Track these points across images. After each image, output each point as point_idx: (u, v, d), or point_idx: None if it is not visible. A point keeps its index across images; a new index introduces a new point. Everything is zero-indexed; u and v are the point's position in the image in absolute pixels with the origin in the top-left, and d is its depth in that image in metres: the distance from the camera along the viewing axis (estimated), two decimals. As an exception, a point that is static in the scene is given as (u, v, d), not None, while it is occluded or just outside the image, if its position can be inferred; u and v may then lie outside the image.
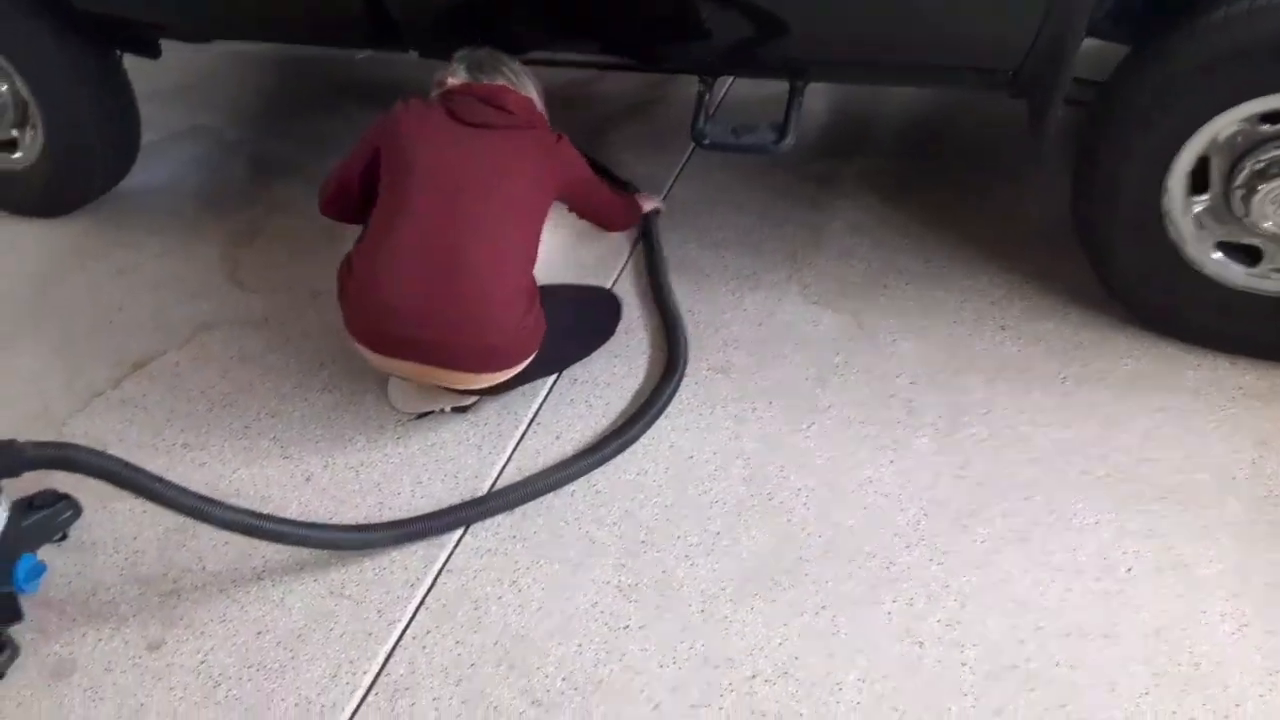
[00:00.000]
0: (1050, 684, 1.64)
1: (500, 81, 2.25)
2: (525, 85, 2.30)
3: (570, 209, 2.44)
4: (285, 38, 2.97)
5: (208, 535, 1.97)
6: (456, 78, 2.26)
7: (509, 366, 2.11)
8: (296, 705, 1.65)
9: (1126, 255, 2.24)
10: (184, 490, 1.72)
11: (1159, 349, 2.28)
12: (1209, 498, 1.93)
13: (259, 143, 3.51)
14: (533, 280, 2.16)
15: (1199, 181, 2.12)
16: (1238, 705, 1.59)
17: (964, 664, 1.67)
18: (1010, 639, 1.71)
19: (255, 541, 1.94)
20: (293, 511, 2.02)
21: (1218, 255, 2.17)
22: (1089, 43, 2.24)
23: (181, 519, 1.98)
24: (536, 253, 2.17)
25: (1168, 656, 1.66)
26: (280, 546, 1.91)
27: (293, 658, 1.73)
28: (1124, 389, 2.19)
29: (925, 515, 1.94)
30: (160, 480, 1.71)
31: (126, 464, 1.70)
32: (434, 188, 2.07)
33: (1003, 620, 1.74)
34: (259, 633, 1.78)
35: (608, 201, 2.53)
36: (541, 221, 2.21)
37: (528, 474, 2.08)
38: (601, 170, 2.97)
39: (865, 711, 1.61)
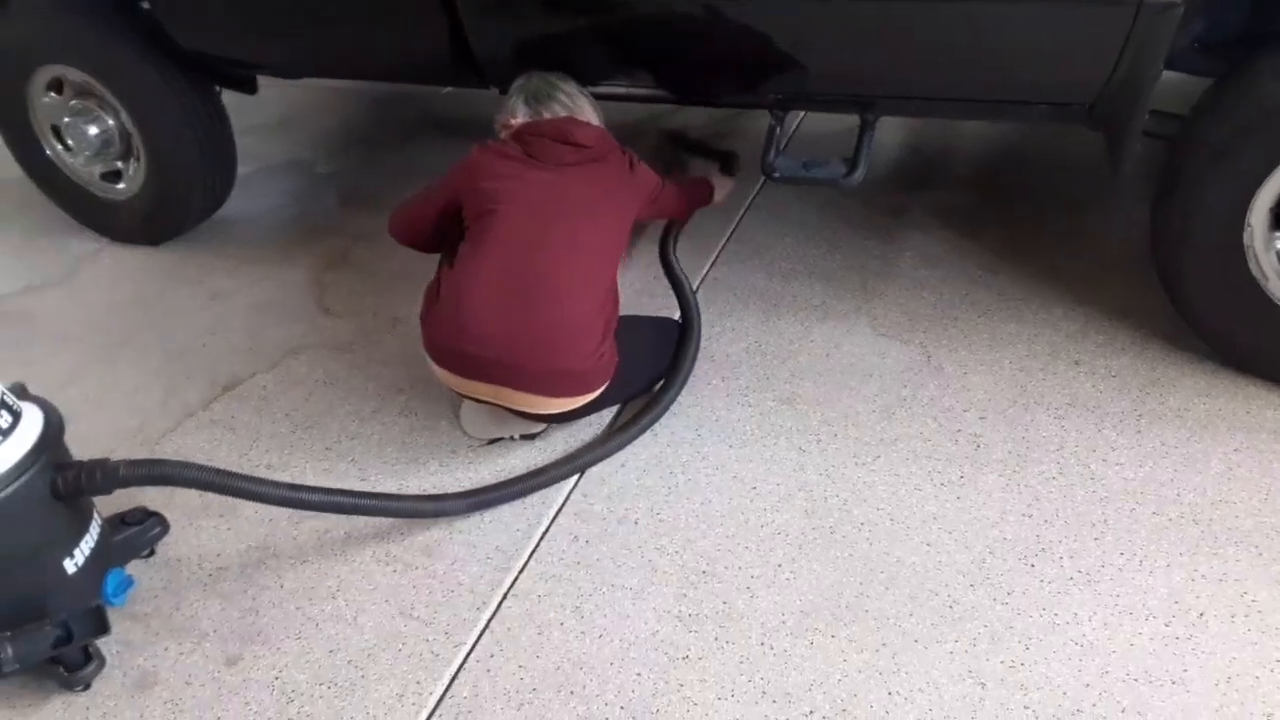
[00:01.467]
0: (1115, 731, 1.60)
1: (561, 112, 2.33)
2: (583, 108, 2.39)
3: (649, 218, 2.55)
4: (375, 76, 3.10)
5: (286, 553, 2.06)
6: (518, 116, 2.35)
7: (583, 393, 2.17)
8: (365, 722, 1.71)
9: (1206, 291, 2.20)
10: (272, 482, 1.89)
11: (1238, 388, 2.22)
12: (1287, 543, 1.87)
13: (348, 175, 3.65)
14: (614, 309, 2.24)
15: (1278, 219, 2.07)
16: (1314, 760, 1.53)
17: (1026, 706, 1.65)
18: (1075, 682, 1.68)
19: (330, 561, 2.03)
20: (368, 530, 2.10)
21: (1300, 292, 2.11)
22: (1170, 75, 2.22)
23: (262, 537, 2.10)
24: (617, 283, 2.24)
25: (1239, 705, 1.61)
26: (355, 566, 2.00)
27: (363, 677, 1.79)
28: (1200, 428, 2.14)
29: (990, 553, 1.92)
30: (248, 478, 1.86)
31: (215, 470, 1.82)
32: (519, 222, 2.15)
33: (1068, 663, 1.71)
34: (331, 651, 1.85)
35: (677, 200, 2.65)
36: (622, 250, 2.30)
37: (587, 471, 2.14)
38: (697, 146, 3.19)
39: (923, 751, 1.60)
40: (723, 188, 2.90)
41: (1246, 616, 1.75)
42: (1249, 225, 2.08)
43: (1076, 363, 2.37)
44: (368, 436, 2.39)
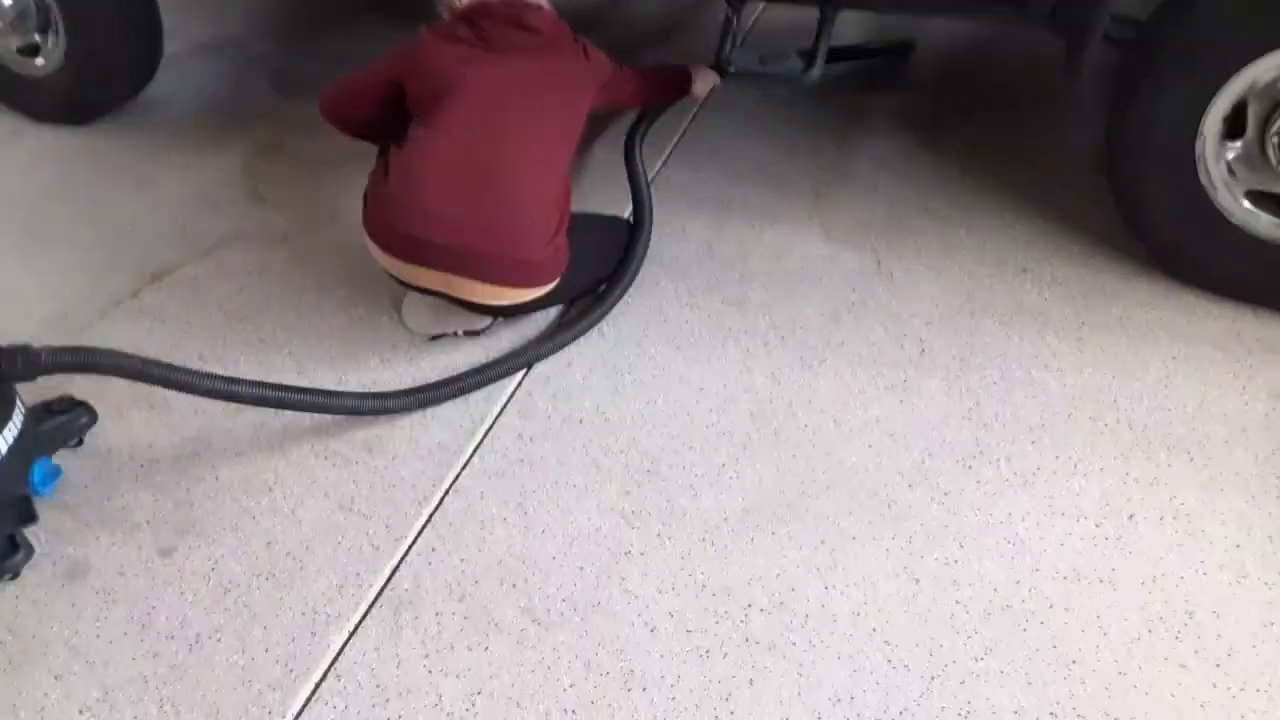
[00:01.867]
0: (1043, 625, 1.65)
1: None
2: None
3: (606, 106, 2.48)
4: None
5: (221, 445, 2.01)
6: None
7: (535, 285, 2.14)
8: (303, 614, 1.69)
9: (1155, 199, 2.20)
10: (205, 374, 1.81)
11: (1181, 297, 2.25)
12: (1217, 449, 1.92)
13: (283, 57, 3.48)
14: (566, 202, 2.21)
15: (1234, 127, 2.07)
16: (1229, 655, 1.59)
17: (959, 602, 1.69)
18: (1006, 580, 1.72)
19: (268, 455, 1.98)
20: (307, 425, 2.06)
21: (1247, 204, 2.12)
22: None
23: (195, 429, 2.04)
24: (569, 172, 2.21)
25: (1163, 604, 1.67)
26: (292, 460, 1.96)
27: (301, 569, 1.77)
28: (1141, 336, 2.17)
29: (930, 455, 1.95)
30: (179, 368, 1.79)
31: (144, 359, 1.76)
32: (473, 108, 2.10)
33: (1000, 562, 1.75)
34: (268, 543, 1.82)
35: (634, 87, 2.58)
36: (576, 138, 2.26)
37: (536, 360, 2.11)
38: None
39: (857, 644, 1.63)
40: (704, 80, 2.79)
41: (1175, 519, 1.80)
42: (1201, 133, 2.08)
43: (1024, 270, 2.38)
44: (304, 330, 2.32)
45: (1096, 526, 1.80)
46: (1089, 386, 2.07)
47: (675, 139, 2.90)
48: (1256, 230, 2.12)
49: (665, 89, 2.73)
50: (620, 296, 2.32)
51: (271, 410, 2.06)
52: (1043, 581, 1.72)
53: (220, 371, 1.91)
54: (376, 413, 2.05)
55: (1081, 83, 2.20)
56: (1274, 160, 2.03)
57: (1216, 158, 2.09)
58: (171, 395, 2.05)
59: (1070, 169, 2.65)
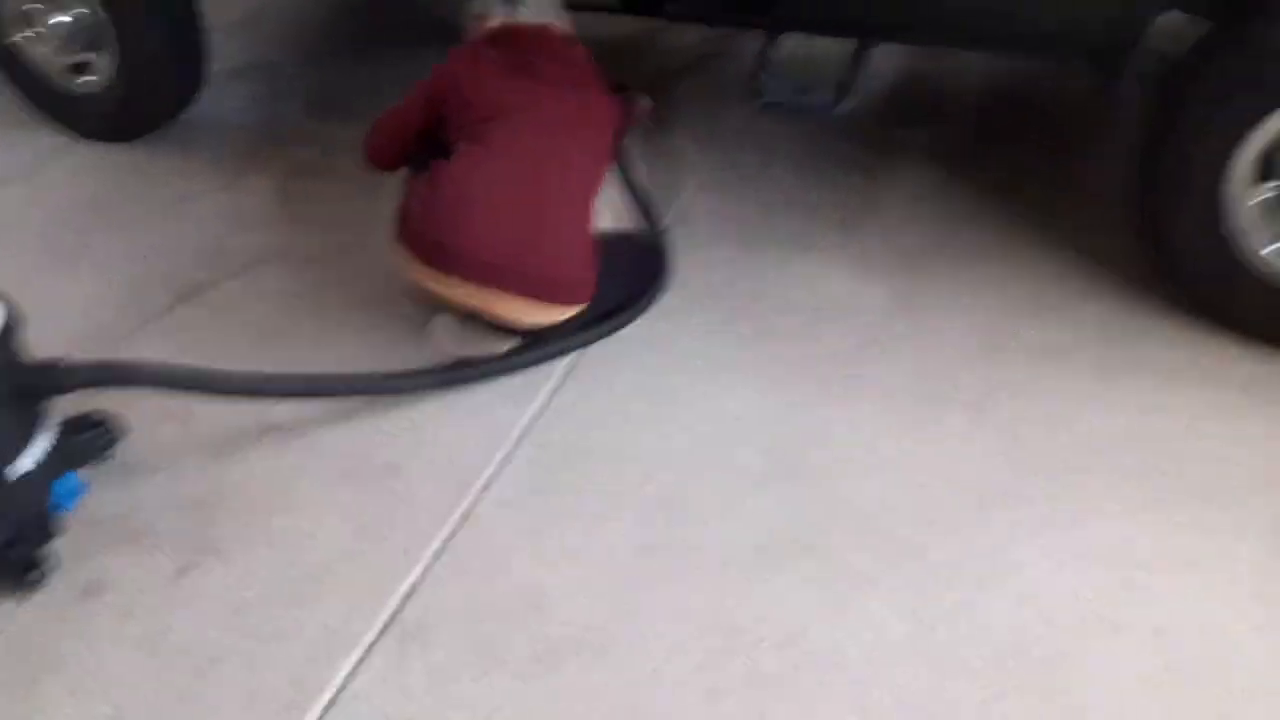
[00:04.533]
0: (1055, 672, 1.63)
1: (533, 13, 2.31)
2: (554, 11, 2.36)
3: None
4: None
5: (246, 466, 2.04)
6: (493, 14, 2.31)
7: (573, 303, 2.19)
8: (314, 639, 1.70)
9: (1183, 240, 2.18)
10: (233, 374, 1.88)
11: (1208, 340, 2.22)
12: (1240, 496, 1.89)
13: (317, 80, 3.55)
14: (595, 226, 2.27)
15: (1264, 170, 2.04)
16: (1241, 709, 1.56)
17: (970, 646, 1.67)
18: (1018, 625, 1.70)
19: (291, 474, 2.01)
20: (328, 446, 2.08)
21: (1274, 247, 2.08)
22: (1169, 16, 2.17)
23: (222, 448, 2.07)
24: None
25: (1175, 653, 1.65)
26: (314, 480, 1.99)
27: (315, 592, 1.79)
28: (1167, 379, 2.14)
29: (946, 495, 1.93)
30: (206, 372, 1.85)
31: (169, 366, 1.81)
32: (521, 134, 2.17)
33: (1013, 606, 1.73)
34: (286, 565, 1.84)
35: (624, 116, 2.62)
36: (606, 167, 2.34)
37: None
38: None
39: (865, 686, 1.62)
40: (642, 104, 2.81)
41: (1192, 567, 1.78)
42: (1230, 176, 2.05)
43: (1052, 308, 2.36)
44: (335, 350, 2.35)
45: (1111, 572, 1.77)
46: (1114, 428, 2.04)
47: (708, 167, 2.90)
48: (1284, 275, 2.09)
49: (630, 120, 2.75)
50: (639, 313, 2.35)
51: (297, 430, 2.09)
52: (1054, 628, 1.69)
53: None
54: (398, 391, 2.16)
55: (1111, 123, 2.19)
56: (1304, 205, 2.00)
57: (1245, 201, 2.06)
58: (201, 412, 2.10)
59: (1102, 206, 2.62)
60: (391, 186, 2.32)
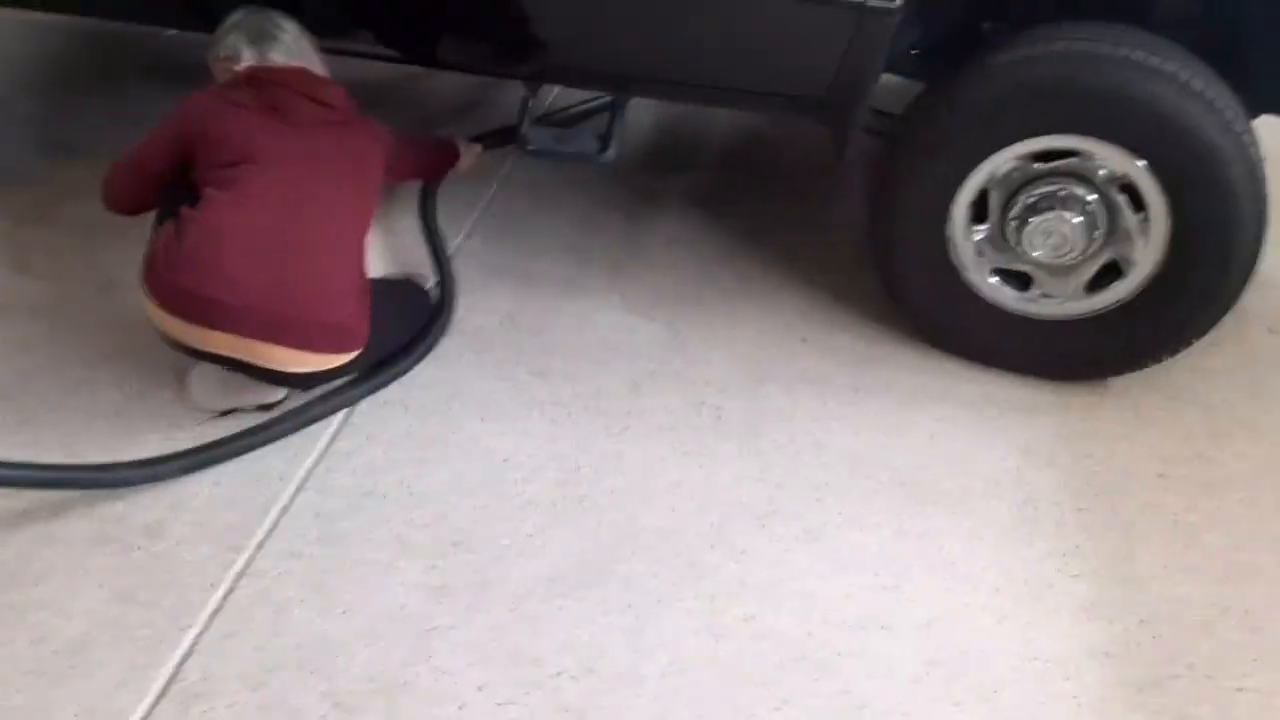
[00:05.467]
0: (834, 672, 1.76)
1: (288, 57, 2.23)
2: (309, 54, 2.29)
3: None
4: (94, 12, 2.80)
5: (-21, 538, 1.84)
6: (242, 58, 2.22)
7: (340, 350, 2.12)
8: (77, 715, 1.56)
9: (914, 277, 2.43)
10: None
11: (940, 364, 2.48)
12: (977, 501, 2.12)
13: (53, 118, 3.27)
14: (365, 274, 2.23)
15: (979, 212, 2.33)
16: (997, 691, 1.75)
17: (758, 655, 1.77)
18: (800, 631, 1.82)
19: (35, 543, 1.83)
20: (80, 509, 1.91)
21: (994, 280, 2.38)
22: (891, 78, 2.44)
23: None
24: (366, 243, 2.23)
25: (938, 646, 1.82)
26: (65, 548, 1.81)
27: (73, 667, 1.63)
28: (908, 400, 2.37)
29: (727, 517, 2.04)
30: None
31: None
32: (272, 179, 2.08)
33: (793, 614, 1.85)
34: (37, 640, 1.67)
35: (415, 162, 2.66)
36: (373, 212, 2.28)
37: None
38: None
39: (665, 704, 1.68)
40: (469, 154, 2.84)
41: (945, 567, 1.97)
42: (951, 218, 2.32)
43: (804, 340, 2.55)
44: (74, 408, 2.17)
45: (876, 576, 1.94)
46: (866, 446, 2.24)
47: (475, 213, 2.94)
48: (1003, 304, 2.38)
49: (439, 164, 2.78)
50: (414, 363, 2.32)
51: (37, 494, 1.90)
52: (832, 631, 1.83)
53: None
54: (148, 480, 1.96)
55: (853, 171, 2.42)
56: (1013, 242, 2.29)
57: (965, 239, 2.34)
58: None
59: (844, 244, 2.87)
60: (136, 233, 2.18)
